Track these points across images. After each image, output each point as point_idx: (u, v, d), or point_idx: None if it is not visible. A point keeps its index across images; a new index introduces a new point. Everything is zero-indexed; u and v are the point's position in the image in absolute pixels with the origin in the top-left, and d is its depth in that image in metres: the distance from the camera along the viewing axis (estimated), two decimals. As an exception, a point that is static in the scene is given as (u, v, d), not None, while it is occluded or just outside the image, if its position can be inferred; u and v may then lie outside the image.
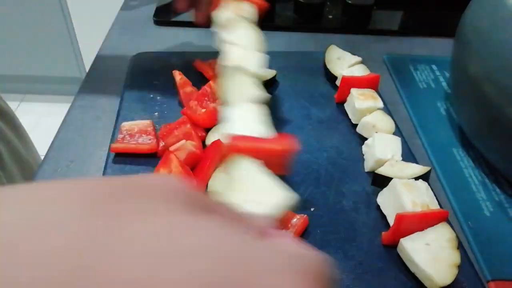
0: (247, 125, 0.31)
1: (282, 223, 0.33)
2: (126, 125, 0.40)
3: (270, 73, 0.48)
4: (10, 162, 0.49)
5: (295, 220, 0.34)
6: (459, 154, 0.43)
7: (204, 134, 0.40)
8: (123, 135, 0.39)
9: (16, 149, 0.51)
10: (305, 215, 0.34)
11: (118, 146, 0.38)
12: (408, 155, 0.40)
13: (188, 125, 0.38)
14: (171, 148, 0.35)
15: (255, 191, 0.26)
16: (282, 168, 0.30)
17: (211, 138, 0.39)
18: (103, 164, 0.38)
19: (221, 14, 0.42)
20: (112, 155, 0.38)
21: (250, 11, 0.42)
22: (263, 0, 0.45)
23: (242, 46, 0.38)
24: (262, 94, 0.35)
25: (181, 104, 0.44)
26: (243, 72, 0.36)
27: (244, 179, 0.27)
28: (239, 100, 0.34)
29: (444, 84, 0.52)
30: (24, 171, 0.51)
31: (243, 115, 0.33)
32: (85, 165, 0.38)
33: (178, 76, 0.44)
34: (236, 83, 0.35)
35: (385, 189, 0.35)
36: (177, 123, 0.39)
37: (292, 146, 0.30)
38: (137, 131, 0.39)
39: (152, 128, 0.40)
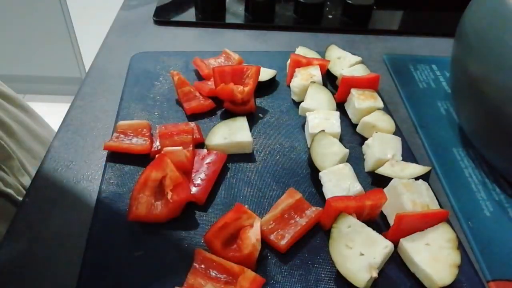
0: (341, 185, 0.35)
1: (298, 212, 0.34)
2: (122, 124, 0.40)
3: (270, 73, 0.48)
4: (26, 137, 0.53)
5: (309, 211, 0.34)
6: (459, 154, 0.43)
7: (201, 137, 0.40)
8: (118, 134, 0.39)
9: (30, 127, 0.54)
10: (320, 208, 0.34)
11: (111, 144, 0.38)
12: (408, 155, 0.40)
13: (190, 136, 0.38)
14: (165, 150, 0.35)
15: (361, 244, 0.30)
16: (373, 217, 0.34)
17: (211, 139, 0.39)
18: (103, 164, 0.38)
19: (294, 83, 0.45)
20: (112, 154, 0.38)
21: (317, 73, 0.46)
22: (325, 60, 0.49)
23: (319, 110, 0.42)
24: (347, 151, 0.38)
25: (179, 104, 0.44)
26: (327, 135, 0.39)
27: (349, 235, 0.31)
28: (329, 162, 0.37)
29: (444, 84, 0.52)
30: (39, 145, 0.55)
31: (335, 176, 0.35)
32: (85, 165, 0.38)
33: (175, 76, 0.44)
34: (324, 147, 0.38)
35: (385, 189, 0.35)
36: (180, 130, 0.38)
37: (382, 199, 0.33)
38: (132, 131, 0.39)
39: (148, 129, 0.40)
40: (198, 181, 0.35)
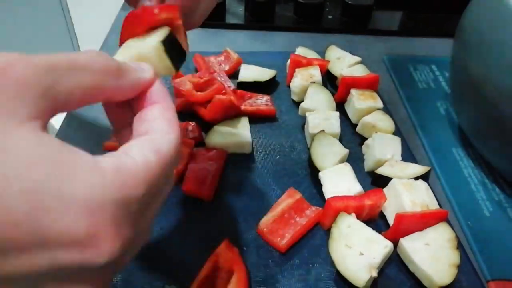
0: (340, 185, 0.35)
1: (298, 212, 0.34)
2: None
3: (270, 73, 0.48)
4: None
5: (309, 211, 0.34)
6: (459, 154, 0.43)
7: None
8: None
9: None
10: (320, 208, 0.34)
11: (112, 144, 0.38)
12: (408, 155, 0.40)
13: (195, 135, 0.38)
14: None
15: (361, 244, 0.30)
16: (373, 217, 0.34)
17: (211, 137, 0.39)
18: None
19: (294, 84, 0.45)
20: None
21: (317, 74, 0.46)
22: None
23: (319, 111, 0.42)
24: (347, 151, 0.38)
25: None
26: (327, 135, 0.39)
27: (349, 235, 0.31)
28: (329, 162, 0.37)
29: (443, 84, 0.52)
30: None
31: (335, 176, 0.35)
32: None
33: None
34: (324, 147, 0.38)
35: (385, 189, 0.35)
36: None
37: (382, 199, 0.33)
38: None
39: None
40: (203, 178, 0.35)
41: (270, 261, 0.31)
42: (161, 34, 0.24)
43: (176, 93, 0.43)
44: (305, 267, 0.31)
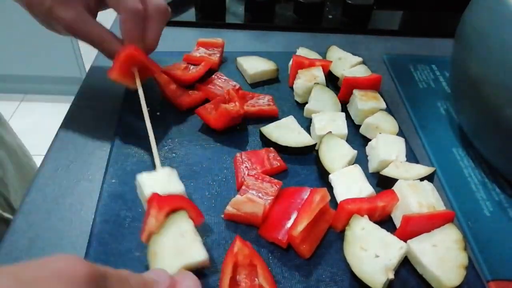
0: (352, 187, 0.34)
1: (323, 215, 0.33)
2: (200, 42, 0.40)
3: (270, 65, 0.49)
4: None
5: (328, 215, 0.34)
6: (459, 154, 0.43)
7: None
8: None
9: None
10: (333, 210, 0.34)
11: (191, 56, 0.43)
12: (411, 156, 0.40)
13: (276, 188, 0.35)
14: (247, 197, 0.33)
15: (376, 246, 0.30)
16: (383, 218, 0.34)
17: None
18: (104, 164, 0.38)
19: (297, 85, 0.45)
20: (114, 154, 0.38)
21: (320, 74, 0.46)
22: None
23: (325, 112, 0.41)
24: (356, 152, 0.38)
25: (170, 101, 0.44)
26: (335, 137, 0.39)
27: (363, 237, 0.30)
28: (338, 163, 0.37)
29: (444, 84, 0.52)
30: (11, 157, 0.54)
31: (346, 178, 0.35)
32: (85, 165, 0.38)
33: (161, 77, 0.44)
34: (332, 149, 0.38)
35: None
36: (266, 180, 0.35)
37: (394, 200, 0.33)
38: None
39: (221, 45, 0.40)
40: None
41: (271, 262, 0.31)
42: None
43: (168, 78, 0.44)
44: (306, 267, 0.31)
